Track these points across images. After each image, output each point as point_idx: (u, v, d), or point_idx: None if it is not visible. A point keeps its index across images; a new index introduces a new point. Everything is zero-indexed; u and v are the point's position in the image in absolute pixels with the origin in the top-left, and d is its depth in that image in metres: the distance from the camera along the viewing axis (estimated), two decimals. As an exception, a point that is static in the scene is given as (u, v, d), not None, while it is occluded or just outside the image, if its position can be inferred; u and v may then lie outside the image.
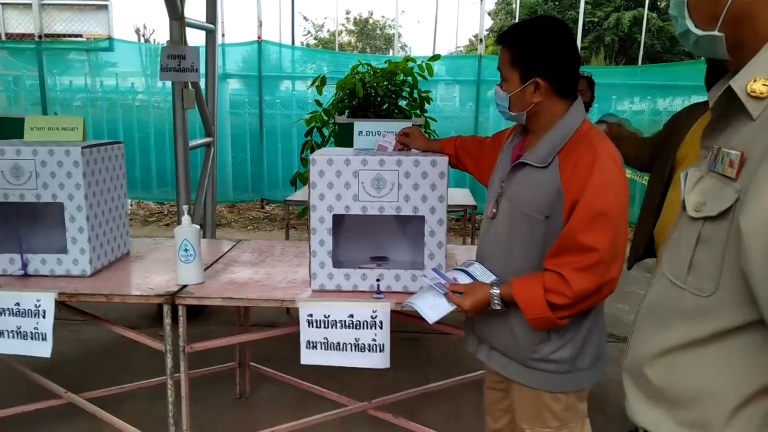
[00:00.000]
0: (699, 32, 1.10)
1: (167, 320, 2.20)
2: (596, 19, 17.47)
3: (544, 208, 1.56)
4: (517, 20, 11.03)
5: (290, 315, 4.21)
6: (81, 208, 2.31)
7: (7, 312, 2.17)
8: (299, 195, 4.71)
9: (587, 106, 3.29)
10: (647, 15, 11.88)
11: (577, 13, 8.67)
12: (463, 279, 1.72)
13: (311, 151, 5.47)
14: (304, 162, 5.55)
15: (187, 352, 2.23)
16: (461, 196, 4.81)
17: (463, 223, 4.91)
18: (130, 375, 3.19)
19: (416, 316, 2.30)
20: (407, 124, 2.40)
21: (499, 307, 1.61)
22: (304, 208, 5.48)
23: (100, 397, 2.83)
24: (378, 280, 2.20)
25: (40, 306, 2.16)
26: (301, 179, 5.61)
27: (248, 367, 3.16)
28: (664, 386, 1.13)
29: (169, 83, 4.09)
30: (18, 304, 2.17)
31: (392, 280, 2.22)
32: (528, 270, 1.60)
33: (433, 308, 1.70)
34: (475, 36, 8.04)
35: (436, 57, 5.39)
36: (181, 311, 2.20)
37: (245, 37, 7.72)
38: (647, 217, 2.58)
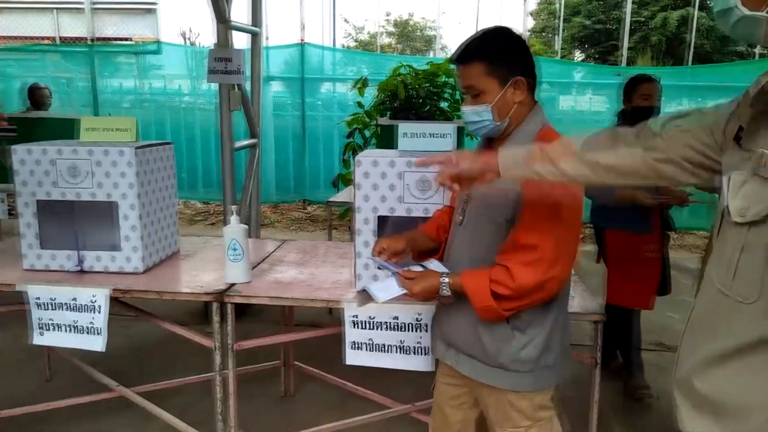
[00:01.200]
0: (744, 12, 1.04)
1: (216, 318, 2.24)
2: (642, 19, 17.06)
3: (507, 213, 1.60)
4: (561, 19, 10.85)
5: (332, 315, 4.24)
6: (134, 207, 2.38)
7: (64, 306, 2.26)
8: (341, 196, 4.74)
9: (654, 111, 3.11)
10: (696, 14, 11.56)
11: (623, 12, 8.49)
12: (417, 269, 1.74)
13: (353, 153, 5.51)
14: (346, 163, 5.59)
15: (235, 349, 2.27)
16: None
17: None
18: (178, 370, 3.28)
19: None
20: (450, 126, 2.40)
21: (447, 293, 1.63)
22: (346, 209, 5.52)
23: (149, 391, 2.91)
24: (422, 282, 2.19)
25: (95, 301, 2.23)
26: (342, 180, 5.64)
27: (292, 366, 3.20)
28: (711, 396, 1.10)
29: (213, 85, 4.19)
30: (74, 299, 2.25)
31: (437, 282, 2.21)
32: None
33: (382, 290, 1.71)
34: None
35: (478, 58, 5.37)
36: (230, 309, 2.24)
37: (287, 40, 7.82)
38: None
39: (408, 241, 1.86)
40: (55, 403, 2.86)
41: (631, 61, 14.33)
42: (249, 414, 2.95)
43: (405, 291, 1.68)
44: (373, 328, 2.14)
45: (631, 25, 8.07)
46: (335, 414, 2.81)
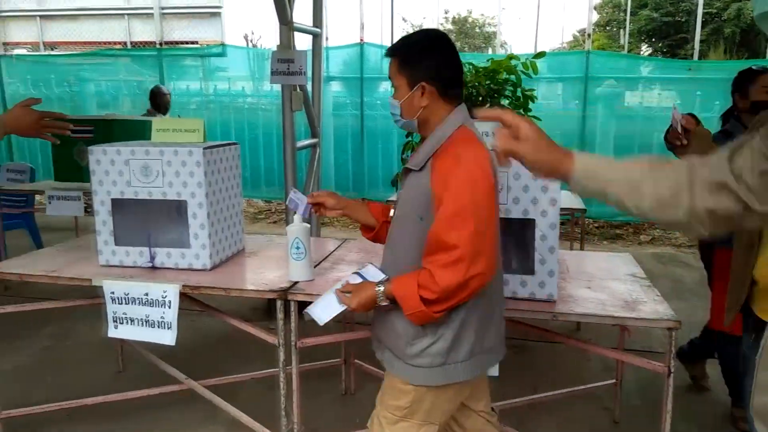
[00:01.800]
0: None
1: (280, 315, 2.28)
2: (714, 11, 16.28)
3: (420, 210, 1.66)
4: (628, 12, 10.51)
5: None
6: (202, 206, 2.45)
7: (137, 301, 2.35)
8: (400, 195, 4.74)
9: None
10: (775, 3, 10.87)
11: (694, 3, 8.12)
12: (354, 280, 1.80)
13: (411, 152, 5.50)
14: (404, 162, 5.59)
15: (298, 347, 2.31)
16: (568, 198, 4.63)
17: (570, 227, 4.72)
18: (242, 365, 3.36)
19: (522, 323, 2.26)
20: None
21: (385, 303, 1.68)
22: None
23: (215, 385, 3.00)
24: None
25: (166, 297, 2.31)
26: (400, 180, 5.65)
27: (353, 365, 3.22)
28: None
29: (275, 86, 4.26)
30: (146, 294, 2.34)
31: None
32: (412, 269, 1.66)
33: (324, 310, 1.79)
34: (579, 31, 7.72)
35: (541, 54, 5.24)
36: (293, 307, 2.28)
37: (346, 40, 7.88)
38: (744, 256, 1.97)
39: (346, 205, 2.04)
40: (127, 393, 2.99)
41: (702, 55, 13.69)
42: (311, 410, 2.98)
43: (345, 307, 1.75)
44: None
45: (702, 17, 7.69)
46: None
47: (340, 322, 3.26)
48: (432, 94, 1.68)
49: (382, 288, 1.67)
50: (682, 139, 2.21)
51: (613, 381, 3.00)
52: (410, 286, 1.60)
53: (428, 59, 1.69)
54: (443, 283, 1.55)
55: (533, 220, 2.08)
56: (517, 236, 2.29)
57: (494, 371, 2.09)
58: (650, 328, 2.02)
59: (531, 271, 2.13)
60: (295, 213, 2.33)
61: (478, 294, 1.64)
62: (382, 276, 1.75)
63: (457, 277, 1.54)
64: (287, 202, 2.21)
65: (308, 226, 2.37)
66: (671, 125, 2.28)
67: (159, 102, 6.20)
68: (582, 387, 2.96)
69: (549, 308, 2.10)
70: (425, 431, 1.76)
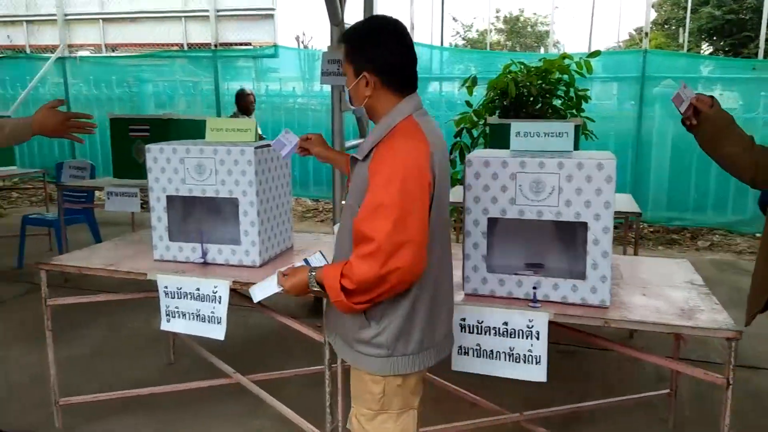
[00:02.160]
0: None
1: (326, 313, 2.29)
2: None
3: (361, 199, 1.61)
4: (689, 10, 10.13)
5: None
6: (253, 204, 2.49)
7: (189, 296, 2.41)
8: (448, 196, 4.70)
9: None
10: None
11: (759, 1, 7.76)
12: (298, 265, 1.81)
13: (460, 153, 5.46)
14: (453, 163, 5.55)
15: (343, 345, 2.31)
16: (622, 201, 4.51)
17: (624, 231, 4.58)
18: (288, 361, 3.41)
19: (572, 328, 2.20)
20: (568, 124, 2.30)
21: (316, 288, 1.67)
22: (452, 209, 5.48)
23: (262, 380, 3.04)
24: (535, 288, 2.13)
25: (216, 292, 2.36)
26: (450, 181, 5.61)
27: (397, 364, 3.21)
28: None
29: (325, 87, 4.30)
30: (198, 289, 2.40)
31: (550, 288, 2.13)
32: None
33: (262, 289, 1.85)
34: (636, 30, 7.50)
35: (596, 53, 5.12)
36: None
37: (396, 40, 7.87)
38: None
39: (332, 157, 2.18)
40: (177, 385, 3.07)
41: None
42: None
43: (280, 288, 1.77)
44: (481, 333, 2.10)
45: (768, 14, 7.34)
46: (439, 418, 2.79)
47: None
48: (375, 84, 1.67)
49: (314, 273, 1.67)
50: (692, 119, 2.04)
51: (667, 391, 2.89)
52: (335, 274, 1.57)
53: (370, 50, 1.67)
54: (359, 275, 1.52)
55: (585, 223, 2.03)
56: (568, 240, 2.24)
57: (542, 376, 2.05)
58: (706, 338, 1.93)
59: (582, 276, 2.08)
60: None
61: (424, 285, 1.65)
62: (323, 263, 1.78)
63: (372, 270, 1.51)
64: (273, 143, 2.22)
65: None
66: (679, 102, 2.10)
67: (243, 103, 6.35)
68: (634, 396, 2.86)
69: (601, 314, 2.04)
70: (405, 419, 1.75)
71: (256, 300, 1.87)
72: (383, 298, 1.58)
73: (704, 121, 2.03)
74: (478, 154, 2.17)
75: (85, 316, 4.23)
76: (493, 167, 2.10)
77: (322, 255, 1.84)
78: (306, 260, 1.81)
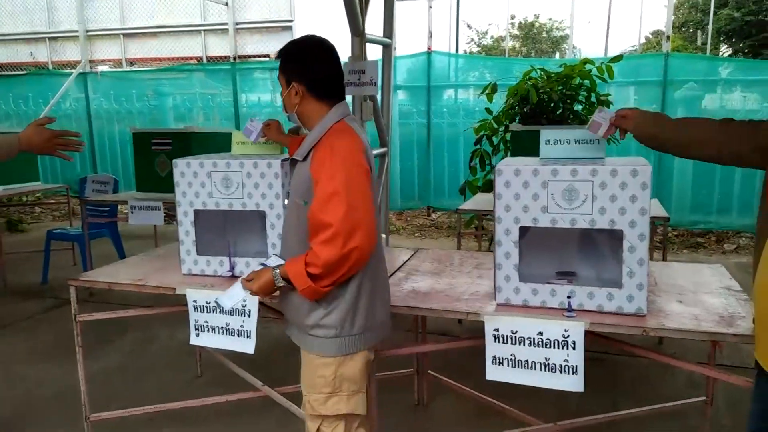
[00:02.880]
0: None
1: (356, 326, 2.27)
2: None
3: (304, 195, 1.86)
4: (711, 11, 10.02)
5: (462, 325, 4.19)
6: (280, 217, 2.48)
7: (218, 309, 2.40)
8: (469, 204, 4.67)
9: None
10: None
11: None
12: (256, 269, 1.97)
13: (480, 160, 5.42)
14: (473, 170, 5.51)
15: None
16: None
17: (651, 235, 4.51)
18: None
19: (601, 335, 2.15)
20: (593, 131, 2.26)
21: (282, 284, 1.85)
22: (472, 216, 5.44)
23: (291, 392, 3.02)
24: (569, 297, 2.09)
25: (246, 306, 2.35)
26: (470, 188, 5.57)
27: (426, 375, 3.18)
28: None
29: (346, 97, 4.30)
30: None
31: (584, 297, 2.09)
32: (303, 251, 1.81)
33: (230, 298, 1.99)
34: (653, 33, 7.43)
35: (618, 58, 5.06)
36: (369, 318, 2.26)
37: (409, 48, 7.91)
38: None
39: (283, 140, 2.48)
40: (205, 399, 3.06)
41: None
42: (385, 421, 2.97)
43: (248, 293, 1.95)
44: (515, 343, 2.06)
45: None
46: (470, 427, 2.76)
47: (409, 330, 3.24)
48: (302, 93, 1.91)
49: (277, 271, 1.84)
50: (617, 137, 2.14)
51: (703, 398, 2.82)
52: (299, 265, 1.77)
53: (298, 62, 1.91)
54: (324, 258, 1.71)
55: (621, 230, 1.99)
56: (603, 247, 2.21)
57: (579, 386, 2.01)
58: (741, 344, 1.89)
59: (618, 284, 2.04)
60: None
61: (363, 269, 1.84)
62: (281, 262, 1.90)
63: (335, 251, 1.71)
64: (243, 131, 2.51)
65: (382, 236, 2.37)
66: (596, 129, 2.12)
67: None
68: (668, 404, 2.80)
69: (638, 323, 2.00)
70: (356, 400, 1.92)
71: (226, 308, 2.04)
72: (345, 277, 1.79)
73: (639, 133, 2.01)
74: (508, 163, 2.15)
75: (111, 331, 4.26)
76: (524, 176, 2.07)
77: (278, 257, 1.98)
78: (263, 264, 1.95)
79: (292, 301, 1.94)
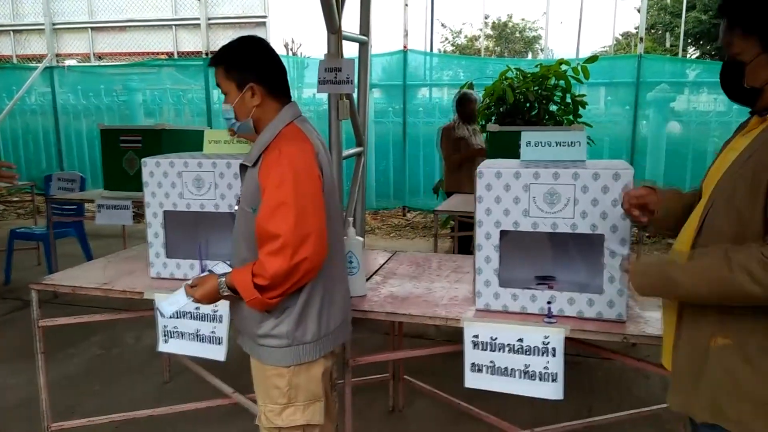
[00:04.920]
0: None
1: (332, 332, 2.21)
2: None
3: (253, 203, 1.76)
4: (684, 13, 10.17)
5: (438, 328, 4.15)
6: (253, 219, 2.40)
7: (188, 315, 2.31)
8: (446, 205, 4.63)
9: None
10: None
11: None
12: (202, 275, 1.86)
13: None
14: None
15: (351, 365, 2.23)
16: (621, 208, 4.45)
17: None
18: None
19: (577, 339, 2.12)
20: (580, 133, 2.23)
21: (227, 293, 1.75)
22: (448, 218, 5.41)
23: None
24: (549, 302, 2.05)
25: (217, 311, 2.27)
26: (443, 187, 5.54)
27: (402, 380, 3.13)
28: None
29: (318, 95, 4.23)
30: (198, 308, 2.29)
31: (565, 303, 2.06)
32: (252, 259, 1.74)
33: (171, 303, 1.85)
34: (622, 34, 7.51)
35: (593, 58, 5.08)
36: (346, 324, 2.20)
37: (385, 47, 7.86)
38: None
39: None
40: (174, 407, 2.96)
41: None
42: (360, 428, 2.91)
43: (190, 299, 1.82)
44: (495, 350, 2.02)
45: None
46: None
47: (385, 333, 3.18)
48: (261, 93, 1.80)
49: (223, 279, 1.75)
50: (641, 219, 1.74)
51: (679, 404, 2.82)
52: (246, 275, 1.68)
53: (253, 61, 1.81)
54: (272, 270, 1.64)
55: (602, 235, 1.96)
56: (584, 252, 2.18)
57: (558, 394, 1.98)
58: None
59: (599, 290, 2.01)
60: (347, 226, 2.27)
61: (316, 277, 1.76)
62: (227, 270, 1.82)
63: (284, 262, 1.63)
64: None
65: (362, 240, 2.31)
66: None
67: (466, 110, 5.24)
68: (645, 409, 2.79)
69: (619, 329, 1.97)
70: (312, 410, 1.85)
71: (166, 315, 1.87)
72: (294, 288, 1.71)
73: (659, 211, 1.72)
74: (489, 165, 2.10)
75: (76, 335, 4.11)
76: (505, 178, 2.02)
77: (225, 264, 1.87)
78: (210, 270, 1.85)
79: (241, 311, 1.85)
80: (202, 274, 1.87)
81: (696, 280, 1.40)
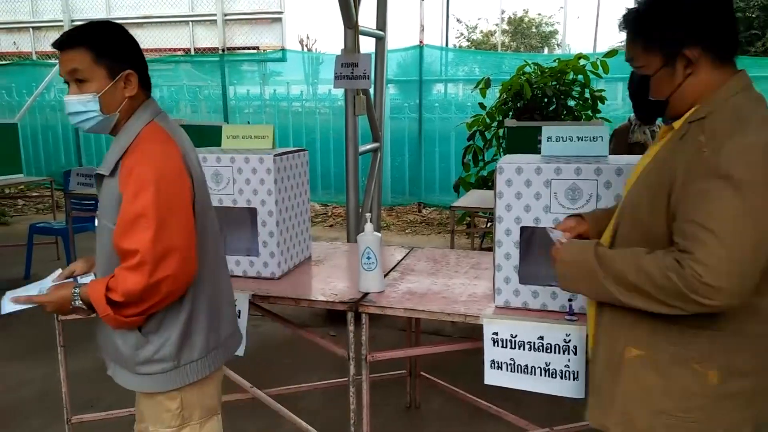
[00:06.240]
0: None
1: (351, 327, 2.20)
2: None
3: (114, 217, 1.54)
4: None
5: (454, 325, 4.12)
6: (272, 213, 2.40)
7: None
8: (462, 201, 4.61)
9: None
10: None
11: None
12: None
13: (473, 156, 5.36)
14: (466, 167, 5.45)
15: (369, 360, 2.22)
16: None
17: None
18: (301, 373, 3.31)
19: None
20: (602, 128, 2.20)
21: (78, 304, 1.56)
22: (464, 214, 5.38)
23: (278, 394, 2.95)
24: (570, 300, 2.03)
25: (236, 305, 2.26)
26: (463, 184, 5.51)
27: (419, 377, 3.12)
28: None
29: (333, 90, 4.22)
30: (216, 303, 2.30)
31: (586, 300, 2.03)
32: None
33: (8, 304, 1.66)
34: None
35: (613, 53, 5.01)
36: (364, 319, 2.20)
37: (400, 43, 7.85)
38: None
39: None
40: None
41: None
42: (377, 424, 2.89)
43: (30, 305, 1.63)
44: (515, 348, 2.00)
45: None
46: (463, 431, 2.70)
47: (402, 330, 3.17)
48: (137, 83, 1.60)
49: (78, 290, 1.57)
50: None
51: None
52: (100, 288, 1.51)
53: (128, 48, 1.60)
54: (126, 287, 1.47)
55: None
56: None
57: (580, 392, 1.95)
58: None
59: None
60: (365, 222, 2.26)
61: (198, 290, 1.61)
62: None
63: (140, 281, 1.46)
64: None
65: (380, 235, 2.29)
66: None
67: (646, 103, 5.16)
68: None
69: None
70: (210, 426, 1.75)
71: (4, 312, 1.67)
72: (157, 308, 1.54)
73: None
74: (510, 160, 2.08)
75: (93, 329, 4.13)
76: (526, 174, 2.00)
77: (95, 275, 1.72)
78: (75, 278, 1.73)
79: (110, 337, 1.64)
80: (65, 282, 1.71)
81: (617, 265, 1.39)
